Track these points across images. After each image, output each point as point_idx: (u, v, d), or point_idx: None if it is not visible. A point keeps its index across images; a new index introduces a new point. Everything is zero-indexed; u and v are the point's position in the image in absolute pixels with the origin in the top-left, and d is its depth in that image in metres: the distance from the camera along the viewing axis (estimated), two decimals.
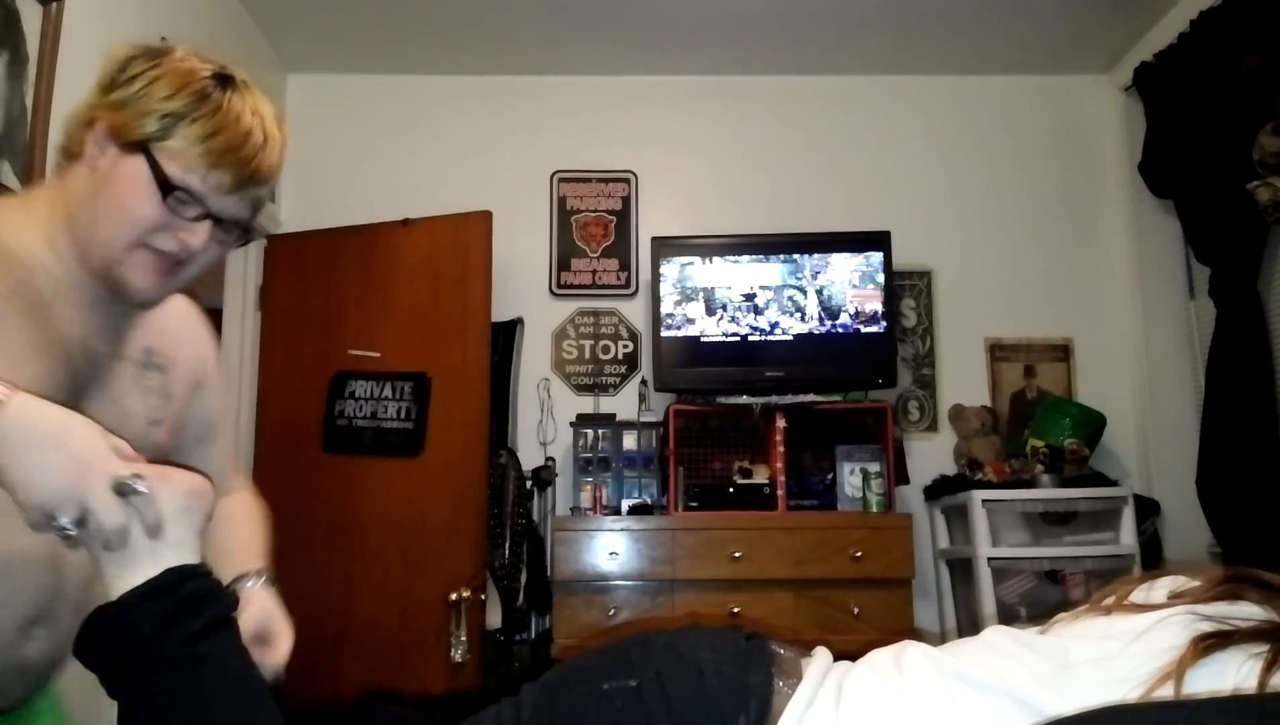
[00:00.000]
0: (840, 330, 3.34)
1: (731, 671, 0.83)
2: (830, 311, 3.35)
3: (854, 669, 0.85)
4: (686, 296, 3.37)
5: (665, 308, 3.35)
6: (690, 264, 3.40)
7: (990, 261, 3.76)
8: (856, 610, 2.97)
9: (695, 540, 3.04)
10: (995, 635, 0.83)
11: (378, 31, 3.57)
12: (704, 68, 3.82)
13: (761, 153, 3.83)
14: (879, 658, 0.85)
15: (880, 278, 3.36)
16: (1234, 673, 0.68)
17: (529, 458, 3.51)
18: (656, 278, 3.38)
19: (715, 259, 3.40)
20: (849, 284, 3.36)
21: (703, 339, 3.34)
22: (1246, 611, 0.74)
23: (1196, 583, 0.80)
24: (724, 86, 3.88)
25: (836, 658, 0.88)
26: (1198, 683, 0.68)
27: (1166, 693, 0.68)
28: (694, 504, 3.18)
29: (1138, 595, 0.81)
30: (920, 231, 3.70)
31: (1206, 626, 0.72)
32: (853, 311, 3.34)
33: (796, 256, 3.39)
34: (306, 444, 3.27)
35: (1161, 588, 0.81)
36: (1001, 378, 3.70)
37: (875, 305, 3.34)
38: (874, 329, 3.33)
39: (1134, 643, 0.73)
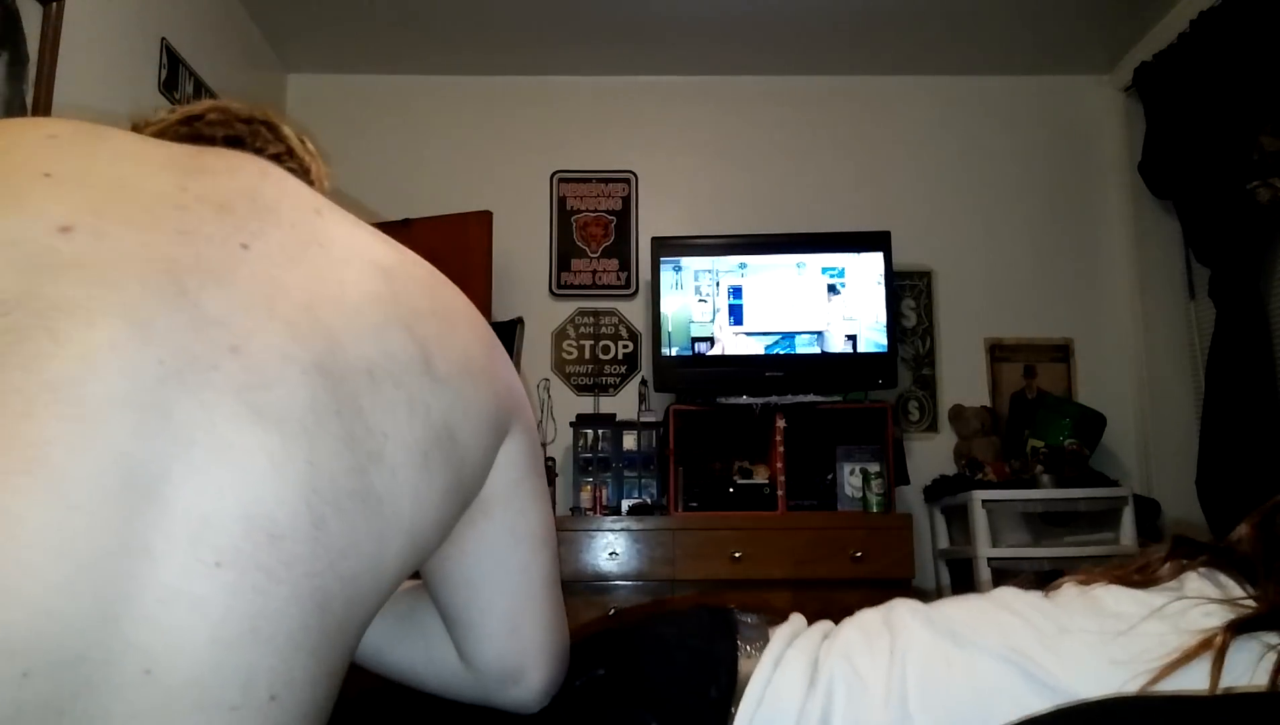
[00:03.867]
0: (841, 331, 3.33)
1: (697, 643, 0.82)
2: (831, 312, 3.34)
3: (840, 630, 0.83)
4: (686, 296, 3.37)
5: (665, 307, 3.35)
6: (690, 263, 3.39)
7: (990, 262, 3.76)
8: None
9: (695, 540, 3.04)
10: (1002, 591, 0.81)
11: (378, 31, 3.57)
12: (704, 68, 3.82)
13: (761, 153, 3.83)
14: (866, 616, 0.84)
15: (881, 278, 3.35)
16: (1253, 665, 0.67)
17: None
18: (656, 278, 3.37)
19: (715, 259, 3.40)
20: (850, 284, 3.36)
21: (703, 339, 3.34)
22: (1232, 590, 0.73)
23: (1157, 557, 0.78)
24: (724, 86, 3.87)
25: None
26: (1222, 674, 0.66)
27: (1171, 682, 0.66)
28: (694, 504, 3.18)
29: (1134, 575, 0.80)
30: (920, 232, 3.70)
31: (1216, 609, 0.70)
32: (853, 312, 3.34)
33: (797, 256, 3.38)
34: None
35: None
36: (1001, 378, 3.70)
37: (875, 305, 3.33)
38: (874, 329, 3.33)
39: (1143, 623, 0.71)
